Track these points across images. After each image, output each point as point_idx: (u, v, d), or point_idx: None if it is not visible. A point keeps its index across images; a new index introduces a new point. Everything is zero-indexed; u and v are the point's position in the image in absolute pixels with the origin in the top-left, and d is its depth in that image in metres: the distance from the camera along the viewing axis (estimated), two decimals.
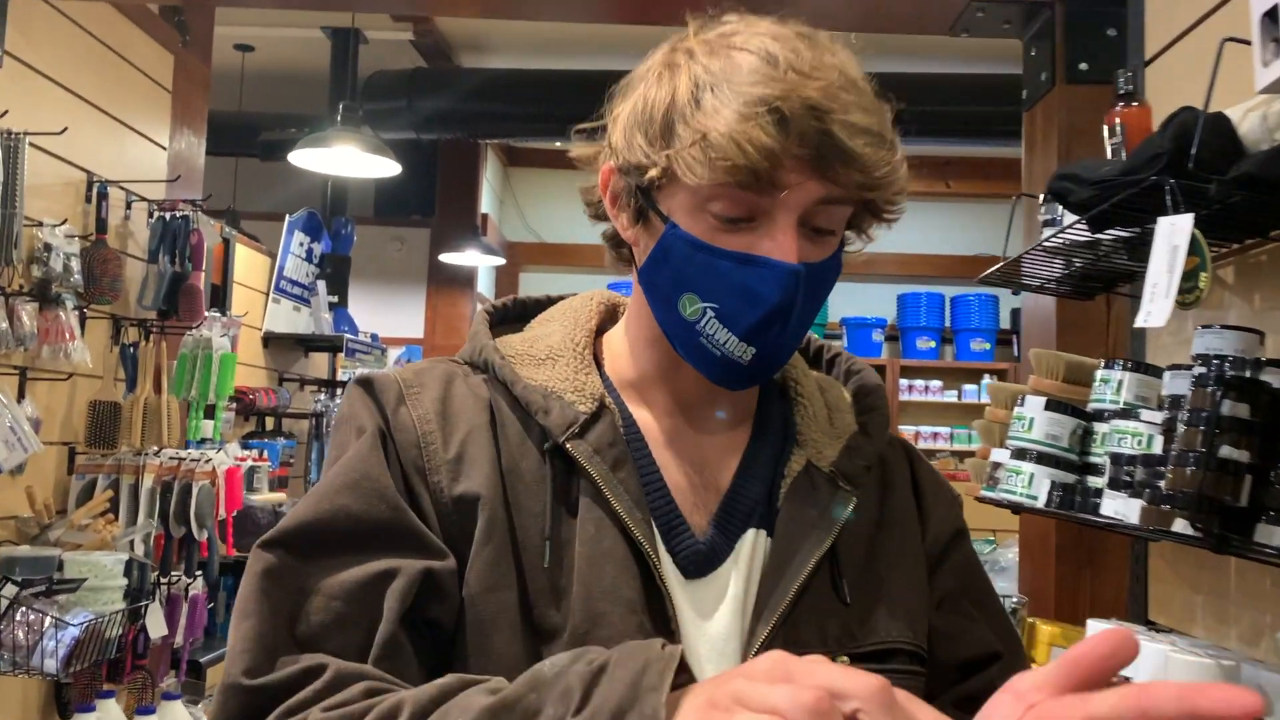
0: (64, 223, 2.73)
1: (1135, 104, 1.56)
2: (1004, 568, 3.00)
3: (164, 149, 3.42)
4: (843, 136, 0.78)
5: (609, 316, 0.99)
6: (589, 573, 0.82)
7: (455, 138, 6.40)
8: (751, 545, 0.88)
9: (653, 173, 0.83)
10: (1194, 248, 1.23)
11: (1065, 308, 2.43)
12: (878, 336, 7.66)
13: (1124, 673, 1.49)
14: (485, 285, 7.51)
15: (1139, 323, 1.26)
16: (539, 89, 5.59)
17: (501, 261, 7.04)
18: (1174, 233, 1.24)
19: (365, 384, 0.90)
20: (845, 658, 0.85)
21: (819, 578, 0.86)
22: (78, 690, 2.81)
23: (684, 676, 0.63)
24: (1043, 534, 2.52)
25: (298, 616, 0.78)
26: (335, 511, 0.82)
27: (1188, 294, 1.24)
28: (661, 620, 0.82)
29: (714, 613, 0.86)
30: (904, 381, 7.56)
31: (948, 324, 7.68)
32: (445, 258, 6.48)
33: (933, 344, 7.64)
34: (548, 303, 1.02)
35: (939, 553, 0.96)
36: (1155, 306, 1.23)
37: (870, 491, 0.93)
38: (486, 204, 7.22)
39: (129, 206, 3.17)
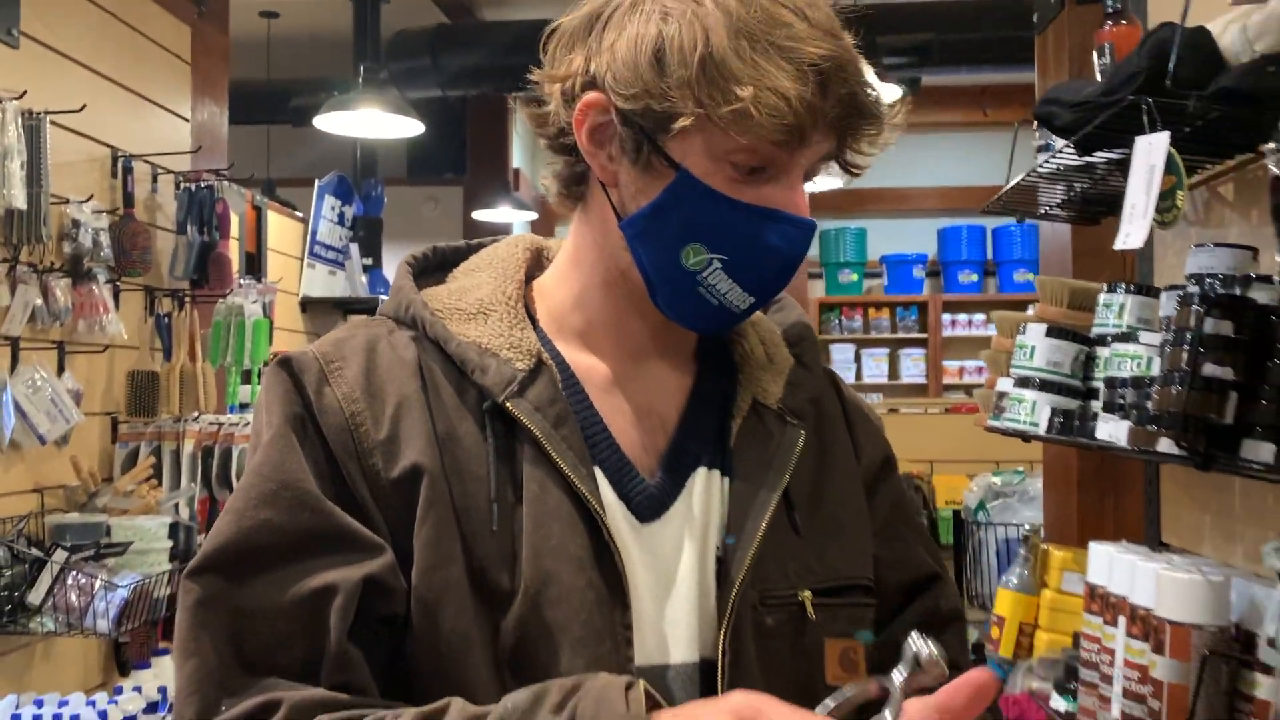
0: (90, 199, 2.80)
1: (1124, 22, 1.53)
2: (1033, 497, 3.00)
3: (186, 121, 3.47)
4: (863, 96, 0.81)
5: (535, 263, 0.97)
6: (535, 532, 0.82)
7: (483, 93, 6.38)
8: (704, 484, 0.89)
9: (684, 121, 0.80)
10: (1171, 166, 1.22)
11: (1080, 235, 2.40)
12: (919, 273, 7.55)
13: (1122, 592, 1.47)
14: None
15: (1118, 245, 1.25)
16: None
17: (534, 216, 7.03)
18: (1151, 152, 1.23)
19: (284, 364, 0.86)
20: (808, 592, 0.87)
21: (776, 515, 0.88)
22: (135, 648, 2.93)
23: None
24: (1065, 462, 2.51)
25: (240, 640, 0.78)
26: (258, 527, 0.80)
27: (1165, 213, 1.23)
28: (612, 576, 0.83)
29: (671, 554, 0.86)
30: (946, 316, 7.45)
31: (990, 256, 7.53)
32: (478, 215, 6.50)
33: (975, 277, 7.49)
34: (467, 251, 0.99)
35: (872, 480, 0.98)
36: (1133, 227, 1.23)
37: (809, 423, 0.94)
38: (518, 158, 7.20)
39: (155, 180, 3.22)
